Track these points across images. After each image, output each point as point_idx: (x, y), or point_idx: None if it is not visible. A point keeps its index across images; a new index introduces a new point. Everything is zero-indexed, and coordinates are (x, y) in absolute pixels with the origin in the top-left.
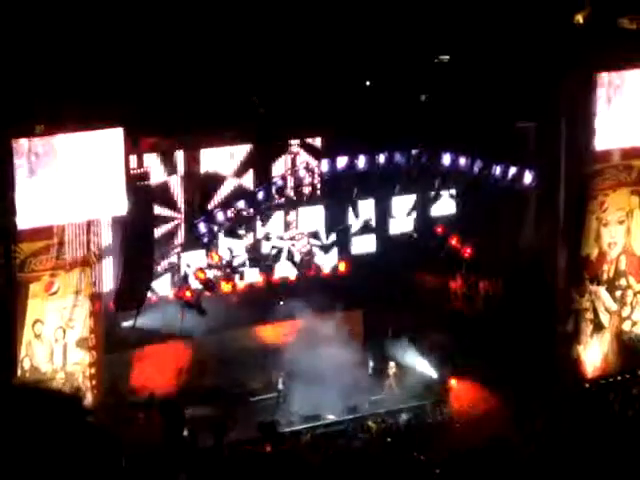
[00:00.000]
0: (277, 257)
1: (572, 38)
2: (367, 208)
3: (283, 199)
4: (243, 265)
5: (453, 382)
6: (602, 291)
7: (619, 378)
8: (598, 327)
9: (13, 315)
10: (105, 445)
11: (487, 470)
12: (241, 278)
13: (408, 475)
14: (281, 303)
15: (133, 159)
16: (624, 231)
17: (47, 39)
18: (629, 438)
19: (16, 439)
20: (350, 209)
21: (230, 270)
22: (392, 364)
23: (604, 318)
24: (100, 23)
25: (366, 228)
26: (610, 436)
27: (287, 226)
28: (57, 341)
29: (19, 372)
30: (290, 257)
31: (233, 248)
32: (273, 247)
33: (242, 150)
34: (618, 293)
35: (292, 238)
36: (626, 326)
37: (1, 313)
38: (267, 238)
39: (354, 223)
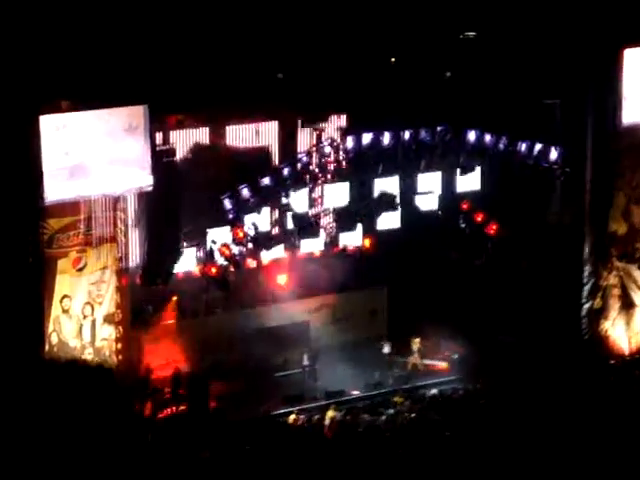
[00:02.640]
0: (302, 233)
1: (599, 14)
2: (392, 185)
3: (308, 176)
4: (268, 241)
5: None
6: (634, 268)
7: None
8: (628, 304)
9: (41, 290)
10: (130, 420)
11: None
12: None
13: (432, 451)
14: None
15: (159, 135)
16: None
17: (73, 16)
18: None
19: (46, 411)
20: (375, 185)
21: (255, 246)
22: (417, 340)
23: (635, 296)
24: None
25: (391, 204)
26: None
27: (312, 203)
28: (85, 317)
29: (47, 347)
30: (315, 234)
31: (258, 224)
32: (298, 223)
33: (268, 126)
34: None
35: (317, 215)
36: None
37: (29, 288)
38: (292, 215)
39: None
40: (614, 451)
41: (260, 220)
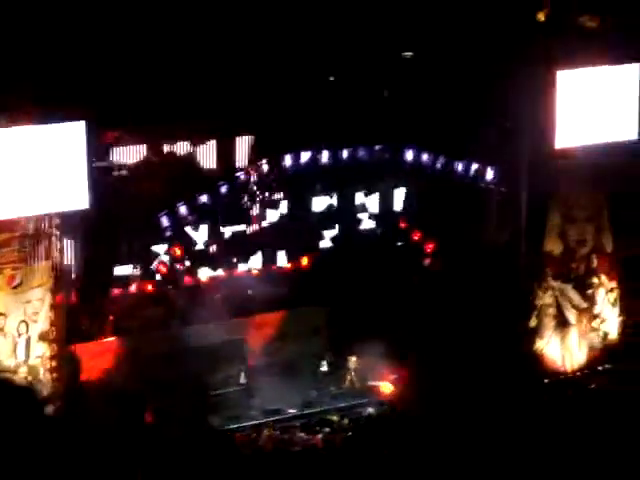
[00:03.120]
0: (240, 251)
1: (533, 36)
2: (330, 203)
3: (246, 194)
4: (206, 259)
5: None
6: (569, 288)
7: (578, 374)
8: (563, 323)
9: None
10: (61, 435)
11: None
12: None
13: (371, 468)
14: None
15: (95, 152)
16: (593, 229)
17: (11, 31)
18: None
19: None
20: (313, 204)
21: (192, 264)
22: (353, 359)
23: (570, 315)
24: (64, 16)
25: (328, 223)
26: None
27: (250, 220)
28: (20, 335)
29: None
30: (253, 251)
31: (196, 242)
32: (236, 241)
33: (206, 144)
34: (589, 291)
35: (254, 233)
36: (595, 324)
37: None
38: (229, 232)
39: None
40: (546, 469)
41: (198, 237)
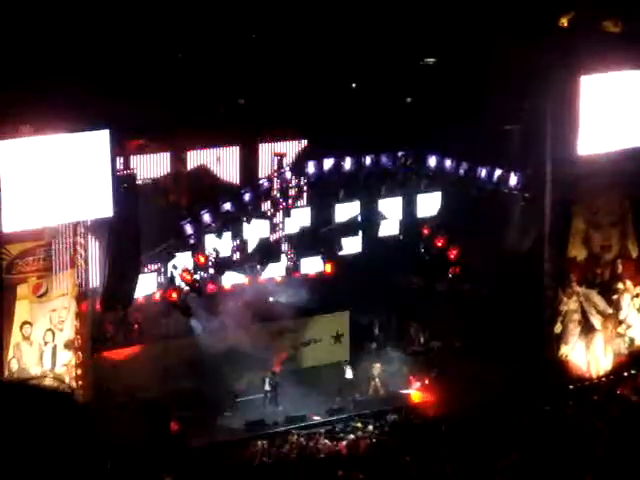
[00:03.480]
0: (263, 258)
1: (557, 41)
2: (353, 210)
3: (269, 201)
4: (229, 266)
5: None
6: (594, 294)
7: (604, 380)
8: (587, 329)
9: (0, 317)
10: (94, 444)
11: (475, 471)
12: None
13: (394, 476)
14: (271, 299)
15: (119, 161)
16: (618, 234)
17: (33, 39)
18: (609, 439)
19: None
20: (336, 211)
21: (216, 271)
22: (377, 365)
23: (595, 321)
24: (87, 24)
25: (352, 230)
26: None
27: (273, 228)
28: (47, 344)
29: (6, 373)
30: (276, 258)
31: (219, 249)
32: (259, 248)
33: (229, 152)
34: (614, 297)
35: (278, 240)
36: (621, 329)
37: None
38: (253, 239)
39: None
40: (570, 475)
41: (221, 245)
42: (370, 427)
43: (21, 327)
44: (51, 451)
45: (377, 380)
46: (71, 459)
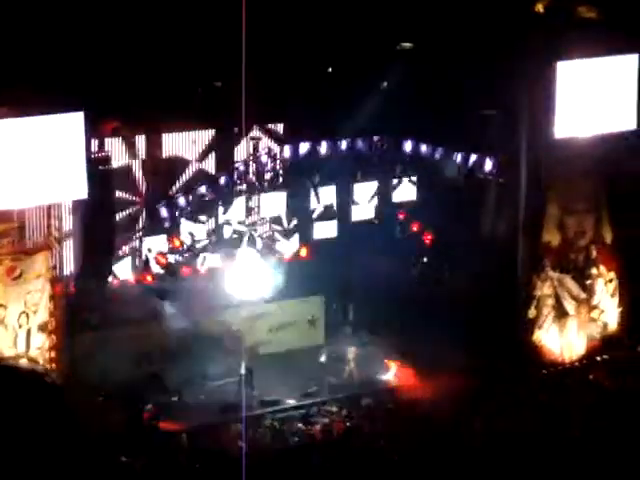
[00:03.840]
0: (238, 242)
1: (533, 27)
2: (329, 194)
3: (245, 184)
4: (204, 250)
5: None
6: (568, 279)
7: (577, 364)
8: (561, 314)
9: None
10: (69, 422)
11: (443, 459)
12: (202, 264)
13: (367, 460)
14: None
15: (94, 143)
16: (592, 220)
17: (8, 22)
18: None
19: None
20: (312, 195)
21: (191, 255)
22: (352, 349)
23: (569, 306)
24: (63, 7)
25: (327, 214)
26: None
27: (249, 211)
28: (21, 326)
29: None
30: (251, 242)
31: (194, 233)
32: (234, 232)
33: (204, 135)
34: (588, 282)
35: (253, 224)
36: (595, 314)
37: None
38: (228, 223)
39: (316, 208)
40: (547, 460)
41: (196, 229)
42: (344, 411)
43: None
44: (26, 428)
45: (352, 364)
46: (46, 435)
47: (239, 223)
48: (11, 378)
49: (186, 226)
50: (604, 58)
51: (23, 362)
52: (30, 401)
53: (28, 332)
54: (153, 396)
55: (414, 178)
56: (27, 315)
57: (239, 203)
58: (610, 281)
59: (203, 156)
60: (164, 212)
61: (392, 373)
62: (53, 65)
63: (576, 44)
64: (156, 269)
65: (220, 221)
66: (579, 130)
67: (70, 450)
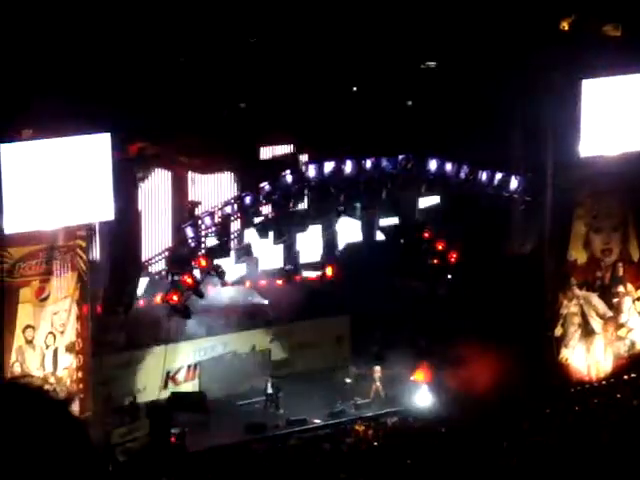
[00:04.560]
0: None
1: (557, 45)
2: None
3: (270, 204)
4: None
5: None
6: (594, 297)
7: (604, 383)
8: (588, 332)
9: (2, 321)
10: (90, 450)
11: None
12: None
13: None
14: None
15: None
16: (619, 238)
17: (35, 43)
18: (610, 442)
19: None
20: (337, 214)
21: (217, 275)
22: (378, 369)
23: (595, 324)
24: (89, 28)
25: (353, 233)
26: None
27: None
28: (48, 347)
29: (8, 377)
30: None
31: (220, 254)
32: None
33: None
34: (615, 300)
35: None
36: (622, 333)
37: None
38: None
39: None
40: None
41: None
42: (371, 431)
43: (24, 331)
44: (27, 443)
45: (378, 383)
46: (49, 451)
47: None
48: (13, 394)
49: (212, 246)
50: (629, 76)
51: (48, 384)
52: (31, 416)
53: (55, 352)
54: (181, 415)
55: (439, 197)
56: (54, 335)
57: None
58: (638, 299)
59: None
60: (190, 232)
61: (420, 392)
62: (80, 86)
63: (601, 62)
64: (182, 289)
65: (246, 241)
66: (605, 148)
67: (77, 466)
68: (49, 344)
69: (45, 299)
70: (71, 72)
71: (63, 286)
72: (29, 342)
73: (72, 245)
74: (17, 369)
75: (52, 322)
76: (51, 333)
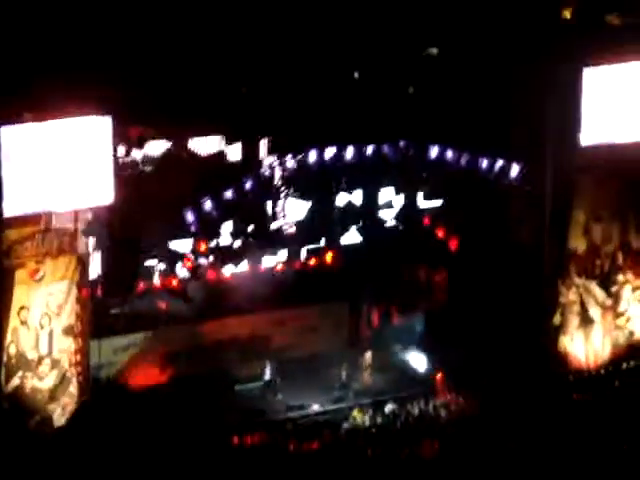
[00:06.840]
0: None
1: (559, 33)
2: (354, 199)
3: (271, 189)
4: (231, 254)
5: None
6: (593, 286)
7: (602, 372)
8: (587, 321)
9: None
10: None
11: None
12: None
13: (393, 466)
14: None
15: (121, 148)
16: (619, 226)
17: (36, 24)
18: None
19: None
20: (337, 200)
21: (217, 259)
22: (376, 355)
23: (594, 312)
24: (91, 10)
25: (352, 219)
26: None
27: (274, 216)
28: (43, 328)
29: (5, 358)
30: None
31: (221, 237)
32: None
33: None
34: (614, 288)
35: (279, 228)
36: (621, 322)
37: None
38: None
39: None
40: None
41: (222, 233)
42: (368, 417)
43: (19, 312)
44: None
45: (376, 370)
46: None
47: (264, 228)
48: None
49: (212, 230)
50: (630, 64)
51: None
52: None
53: (50, 334)
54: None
55: (439, 184)
56: (49, 316)
57: (264, 207)
58: (637, 288)
59: (229, 160)
60: (190, 216)
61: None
62: (81, 69)
63: (602, 51)
64: (182, 273)
65: (245, 225)
66: (606, 137)
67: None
68: (44, 325)
69: (39, 280)
70: (72, 54)
71: (59, 268)
72: (23, 323)
73: (71, 228)
74: (12, 350)
75: (47, 303)
76: (46, 314)
